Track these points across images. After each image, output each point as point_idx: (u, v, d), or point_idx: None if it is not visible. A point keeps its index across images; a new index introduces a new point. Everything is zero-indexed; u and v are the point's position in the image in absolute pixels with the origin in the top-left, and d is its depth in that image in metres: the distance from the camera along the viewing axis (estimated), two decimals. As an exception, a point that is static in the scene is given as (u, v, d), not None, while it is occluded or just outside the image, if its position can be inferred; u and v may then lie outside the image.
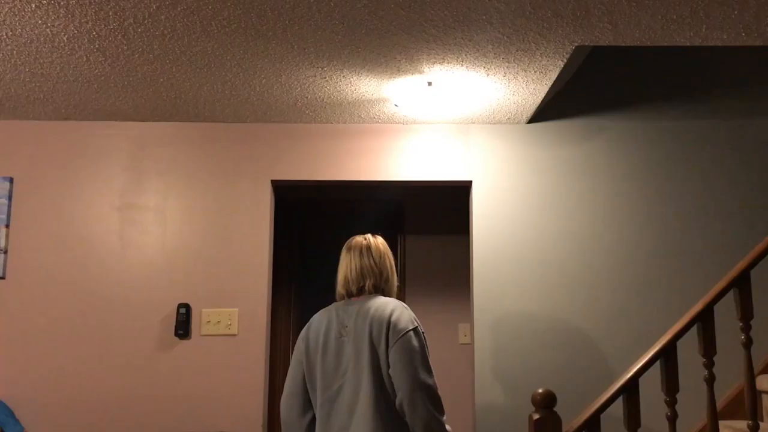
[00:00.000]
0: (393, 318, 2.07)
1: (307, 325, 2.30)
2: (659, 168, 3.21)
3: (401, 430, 2.02)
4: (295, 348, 2.29)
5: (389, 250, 2.32)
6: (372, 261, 2.24)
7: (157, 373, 3.09)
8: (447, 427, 2.04)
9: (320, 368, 2.16)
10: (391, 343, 2.04)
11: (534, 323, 3.10)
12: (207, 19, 2.20)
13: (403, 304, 2.18)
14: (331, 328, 2.18)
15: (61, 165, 3.23)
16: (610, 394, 2.30)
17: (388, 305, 2.12)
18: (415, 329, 2.07)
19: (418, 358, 2.02)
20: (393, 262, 2.31)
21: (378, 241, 2.30)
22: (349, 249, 2.29)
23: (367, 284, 2.21)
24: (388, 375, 2.04)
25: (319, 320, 2.26)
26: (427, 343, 2.12)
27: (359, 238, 2.31)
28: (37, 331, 3.11)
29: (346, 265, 2.26)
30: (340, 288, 2.26)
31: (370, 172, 3.25)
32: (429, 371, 2.04)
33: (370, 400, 2.02)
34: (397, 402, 2.01)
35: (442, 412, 2.02)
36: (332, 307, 2.27)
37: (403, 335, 2.04)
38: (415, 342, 2.04)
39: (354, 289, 2.22)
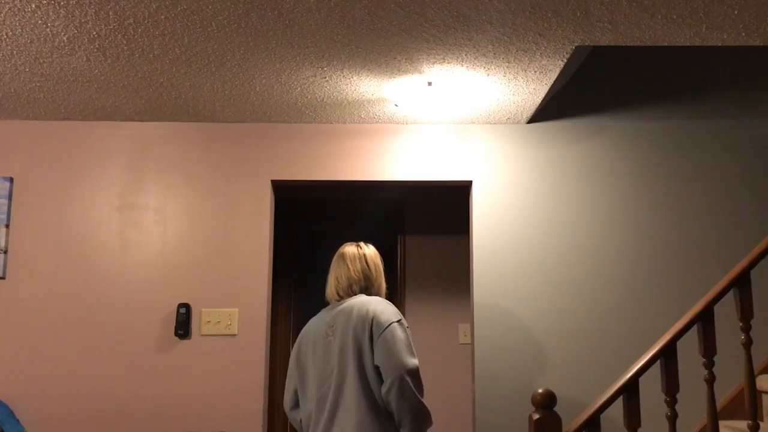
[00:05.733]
0: (376, 312, 2.17)
1: (301, 332, 2.42)
2: (659, 168, 3.21)
3: (385, 420, 2.11)
4: (291, 352, 2.42)
5: (379, 258, 2.42)
6: (363, 268, 2.35)
7: (157, 373, 3.09)
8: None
9: (312, 371, 2.27)
10: (375, 336, 2.13)
11: (534, 323, 3.10)
12: (207, 19, 2.20)
13: (385, 300, 2.28)
14: (319, 330, 2.29)
15: (61, 165, 3.24)
16: (610, 394, 2.30)
17: (370, 302, 2.23)
18: (399, 321, 2.17)
19: (403, 346, 2.11)
20: (382, 269, 2.41)
21: (371, 252, 2.40)
22: (342, 258, 2.39)
23: (354, 288, 2.33)
24: (373, 368, 2.11)
25: (310, 326, 2.38)
26: (410, 337, 2.19)
27: (351, 247, 2.40)
28: (37, 331, 3.11)
29: (337, 273, 2.36)
30: (328, 293, 2.38)
31: (370, 172, 3.25)
32: (414, 355, 2.12)
33: (354, 395, 2.11)
34: (385, 388, 2.08)
35: (423, 394, 2.12)
36: (322, 312, 2.38)
37: (387, 327, 2.13)
38: (399, 332, 2.13)
39: (343, 293, 2.33)
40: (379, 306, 2.20)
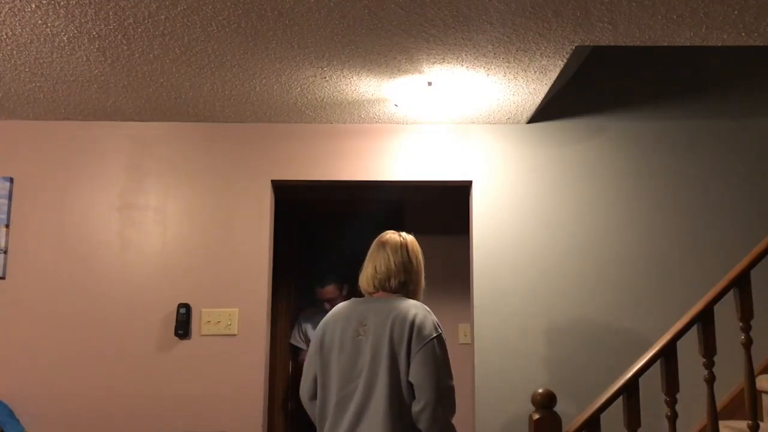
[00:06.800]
0: (417, 323, 2.06)
1: (325, 318, 2.26)
2: (659, 168, 3.21)
3: None
4: (312, 339, 2.28)
5: (420, 251, 2.30)
6: (405, 260, 2.22)
7: (157, 373, 3.09)
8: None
9: (336, 366, 2.14)
10: (414, 350, 2.03)
11: (534, 323, 3.10)
12: (207, 19, 2.20)
13: (426, 307, 2.15)
14: (349, 325, 2.16)
15: (61, 165, 3.23)
16: (610, 394, 2.31)
17: (410, 308, 2.11)
18: (438, 336, 2.07)
19: (442, 365, 2.04)
20: (423, 264, 2.29)
21: (412, 242, 2.28)
22: (383, 245, 2.25)
23: (393, 282, 2.19)
24: (407, 381, 2.03)
25: (337, 315, 2.23)
26: (447, 350, 2.11)
27: (394, 235, 2.28)
28: (37, 331, 3.11)
29: (376, 262, 2.23)
30: (364, 283, 2.24)
31: (370, 172, 3.25)
32: (451, 376, 2.07)
33: (383, 403, 2.01)
34: (419, 406, 2.01)
35: (454, 414, 2.06)
36: (352, 302, 2.25)
37: (427, 342, 2.03)
38: (438, 351, 2.05)
39: (379, 285, 2.21)
40: (420, 315, 2.08)
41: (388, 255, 2.21)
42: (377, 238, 2.30)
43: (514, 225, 3.17)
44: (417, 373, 2.02)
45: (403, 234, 2.30)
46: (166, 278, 3.16)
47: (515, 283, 3.13)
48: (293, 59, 2.52)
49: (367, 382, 2.06)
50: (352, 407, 2.06)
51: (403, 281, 2.20)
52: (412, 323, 2.05)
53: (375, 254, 2.25)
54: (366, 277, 2.24)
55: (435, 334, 2.05)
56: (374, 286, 2.22)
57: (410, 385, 2.04)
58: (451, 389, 2.05)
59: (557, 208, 3.19)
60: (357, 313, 2.17)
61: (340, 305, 2.27)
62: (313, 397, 2.22)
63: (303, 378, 2.25)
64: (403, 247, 2.24)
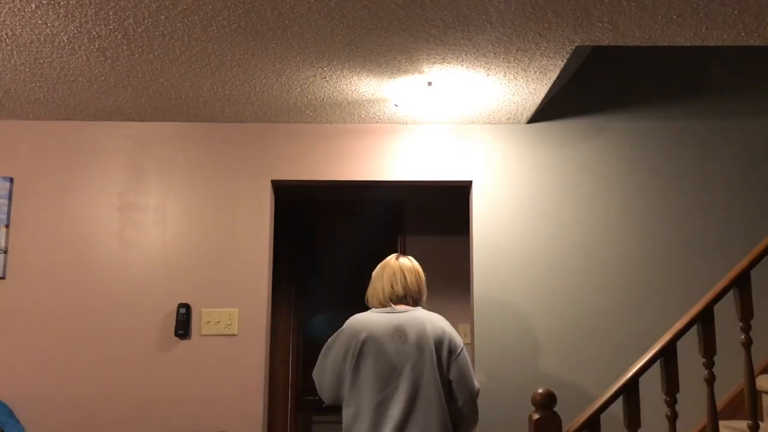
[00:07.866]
0: (448, 334, 2.40)
1: (351, 328, 2.43)
2: (659, 168, 3.21)
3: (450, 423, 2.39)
4: (335, 348, 2.42)
5: None
6: (419, 281, 2.54)
7: (157, 373, 3.09)
8: None
9: (372, 371, 2.33)
10: (452, 358, 2.37)
11: (534, 323, 3.10)
12: (207, 19, 2.20)
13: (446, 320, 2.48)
14: (384, 331, 2.37)
15: (61, 165, 3.23)
16: (610, 394, 2.30)
17: (438, 320, 2.44)
18: (463, 346, 2.43)
19: (472, 371, 2.43)
20: None
21: (418, 266, 2.58)
22: (399, 268, 2.53)
23: (408, 300, 2.51)
24: (448, 382, 2.36)
25: (366, 323, 2.41)
26: None
27: (405, 261, 2.56)
28: (37, 331, 3.11)
29: (393, 281, 2.51)
30: (380, 298, 2.50)
31: (370, 172, 3.25)
32: (473, 377, 2.45)
33: (434, 398, 2.30)
34: (461, 402, 2.38)
35: None
36: (376, 312, 2.46)
37: (459, 353, 2.39)
38: (467, 358, 2.42)
39: (396, 301, 2.48)
40: (447, 327, 2.42)
41: (405, 278, 2.51)
42: (387, 262, 2.56)
43: (514, 225, 3.17)
44: (459, 375, 2.36)
45: (410, 258, 2.59)
46: (166, 278, 3.16)
47: (515, 283, 3.13)
48: (293, 59, 2.52)
49: (412, 381, 2.29)
50: (399, 406, 2.27)
51: (417, 298, 2.52)
52: (446, 334, 2.39)
53: (391, 275, 2.52)
54: (381, 294, 2.50)
55: (462, 344, 2.42)
56: (391, 300, 2.48)
57: (449, 383, 2.37)
58: (479, 391, 2.46)
59: (557, 208, 3.19)
60: (390, 320, 2.40)
61: (362, 316, 2.46)
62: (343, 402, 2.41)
63: (328, 387, 2.43)
64: (416, 270, 2.55)
